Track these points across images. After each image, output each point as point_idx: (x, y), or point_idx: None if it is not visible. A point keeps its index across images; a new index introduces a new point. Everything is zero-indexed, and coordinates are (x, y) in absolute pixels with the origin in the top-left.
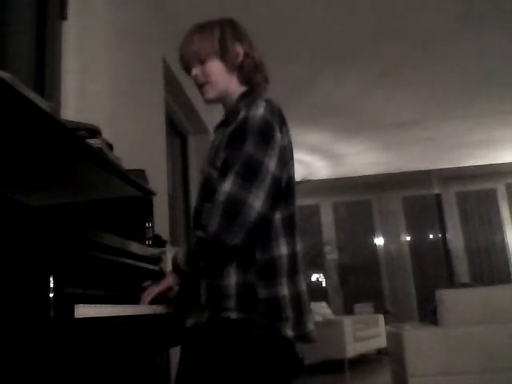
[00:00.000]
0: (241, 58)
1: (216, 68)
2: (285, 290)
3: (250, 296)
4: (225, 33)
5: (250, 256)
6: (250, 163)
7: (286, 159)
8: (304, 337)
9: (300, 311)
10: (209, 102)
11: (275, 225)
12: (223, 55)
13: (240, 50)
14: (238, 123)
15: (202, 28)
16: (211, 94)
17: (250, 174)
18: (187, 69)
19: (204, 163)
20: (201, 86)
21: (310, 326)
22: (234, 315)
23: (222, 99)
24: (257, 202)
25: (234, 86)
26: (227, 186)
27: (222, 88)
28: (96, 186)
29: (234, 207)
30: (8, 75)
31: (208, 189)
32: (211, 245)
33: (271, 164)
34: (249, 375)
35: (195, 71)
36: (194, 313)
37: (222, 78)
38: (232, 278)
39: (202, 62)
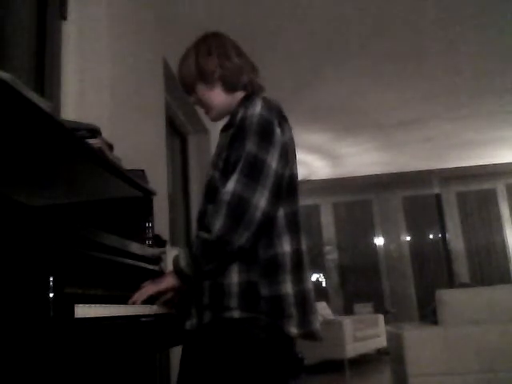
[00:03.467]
0: (217, 71)
1: (203, 92)
2: (288, 288)
3: (253, 294)
4: (198, 55)
5: (252, 254)
6: (253, 162)
7: (288, 156)
8: (309, 334)
9: (305, 309)
10: (215, 120)
11: (278, 222)
12: (202, 77)
13: (213, 64)
14: (236, 124)
15: (182, 58)
16: (212, 115)
17: (254, 172)
18: (189, 95)
19: (209, 167)
20: (203, 108)
21: (316, 325)
22: (236, 314)
23: (225, 113)
24: (262, 200)
25: (226, 98)
26: (231, 185)
27: (217, 106)
28: (96, 186)
29: (239, 206)
30: (8, 75)
31: (211, 190)
32: (216, 245)
33: (273, 161)
34: (251, 375)
35: (192, 100)
36: (195, 314)
37: (212, 98)
38: (234, 277)
39: (193, 90)
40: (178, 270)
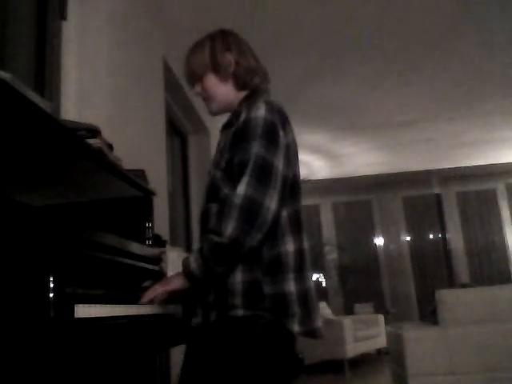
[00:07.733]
0: (233, 66)
1: (212, 82)
2: (291, 287)
3: (257, 293)
4: (214, 46)
5: (256, 253)
6: (263, 165)
7: (291, 157)
8: (311, 332)
9: (307, 308)
10: (214, 114)
11: (282, 222)
12: (215, 68)
13: (231, 58)
14: (239, 125)
15: (195, 47)
16: (213, 107)
17: (263, 175)
18: (192, 86)
19: (211, 166)
20: (205, 101)
21: (318, 323)
22: (240, 312)
23: (226, 109)
24: (273, 203)
25: (233, 95)
26: (242, 188)
27: (221, 100)
28: (96, 185)
29: (252, 209)
30: (8, 75)
31: (213, 190)
32: (229, 248)
33: (280, 164)
34: (255, 372)
35: (197, 89)
36: (200, 313)
37: (219, 91)
38: (238, 276)
39: (200, 79)
40: (188, 272)
